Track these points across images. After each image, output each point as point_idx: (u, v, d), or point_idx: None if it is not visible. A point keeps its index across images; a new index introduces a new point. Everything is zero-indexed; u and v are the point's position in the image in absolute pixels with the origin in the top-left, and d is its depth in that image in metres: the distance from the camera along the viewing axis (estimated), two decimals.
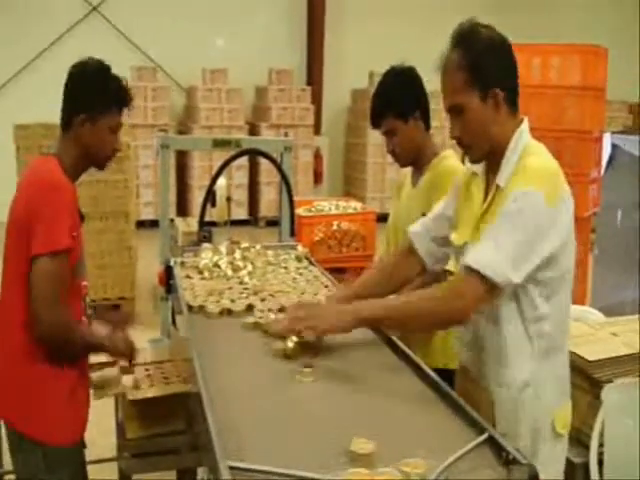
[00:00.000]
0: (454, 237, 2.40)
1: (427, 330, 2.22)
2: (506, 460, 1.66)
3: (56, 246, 2.43)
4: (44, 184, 2.51)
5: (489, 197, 2.25)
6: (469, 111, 2.18)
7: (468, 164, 2.43)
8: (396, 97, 3.00)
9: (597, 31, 11.32)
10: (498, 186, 2.21)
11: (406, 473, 1.56)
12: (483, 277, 2.06)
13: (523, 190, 2.09)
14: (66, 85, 2.64)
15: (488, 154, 2.26)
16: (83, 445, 2.74)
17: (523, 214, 2.08)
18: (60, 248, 2.44)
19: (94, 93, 2.61)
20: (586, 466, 2.70)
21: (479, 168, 2.35)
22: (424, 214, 3.00)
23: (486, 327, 2.25)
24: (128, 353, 2.71)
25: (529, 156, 2.19)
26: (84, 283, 2.69)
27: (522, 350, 2.20)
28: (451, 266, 2.67)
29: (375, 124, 3.09)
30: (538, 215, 2.08)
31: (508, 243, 2.07)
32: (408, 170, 3.26)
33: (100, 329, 2.70)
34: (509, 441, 1.76)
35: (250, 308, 2.67)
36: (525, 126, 2.26)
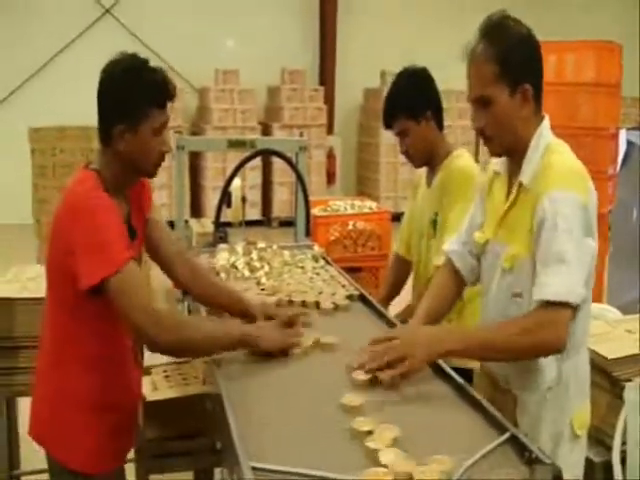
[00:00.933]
0: (477, 236, 2.39)
1: (515, 361, 2.19)
2: (529, 459, 1.66)
3: (117, 264, 2.17)
4: (78, 208, 2.24)
5: (512, 195, 2.24)
6: (496, 104, 2.16)
7: (492, 162, 2.41)
8: (408, 98, 3.02)
9: (610, 28, 11.26)
10: (521, 184, 2.19)
11: (431, 470, 1.56)
12: (566, 304, 2.03)
13: (560, 194, 2.07)
14: (99, 93, 2.35)
15: (509, 150, 2.24)
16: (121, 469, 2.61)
17: (574, 223, 2.06)
18: (121, 264, 2.17)
19: (128, 99, 2.30)
20: (606, 465, 2.68)
21: (502, 167, 2.34)
22: (437, 214, 3.01)
23: None
24: (283, 344, 2.35)
25: (553, 154, 2.17)
26: None
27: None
28: (439, 261, 2.71)
29: (388, 125, 3.10)
30: (581, 217, 2.07)
31: (576, 259, 2.05)
32: (423, 170, 3.26)
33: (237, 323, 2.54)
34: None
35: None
36: (547, 124, 2.24)
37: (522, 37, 2.19)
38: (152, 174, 2.47)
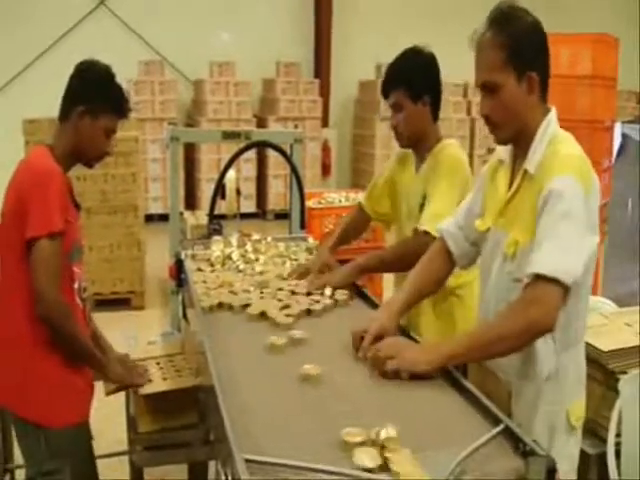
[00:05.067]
0: (478, 223, 2.38)
1: (517, 350, 2.15)
2: (523, 451, 1.65)
3: (52, 227, 2.46)
4: (34, 169, 2.55)
5: (516, 183, 2.23)
6: (503, 91, 2.15)
7: (497, 150, 2.40)
8: (411, 73, 2.96)
9: (608, 21, 11.26)
10: (526, 172, 2.19)
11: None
12: (556, 281, 1.99)
13: (562, 180, 2.07)
14: (71, 78, 2.67)
15: (514, 138, 2.24)
16: (89, 436, 2.75)
17: (572, 206, 2.04)
18: (56, 230, 2.47)
19: (98, 88, 2.65)
20: (600, 457, 2.68)
21: (506, 156, 2.33)
22: (424, 197, 2.98)
23: None
24: (122, 383, 2.82)
25: (559, 144, 2.17)
26: (76, 270, 2.67)
27: (546, 343, 2.16)
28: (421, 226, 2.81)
29: (385, 93, 3.04)
30: (583, 204, 2.06)
31: (572, 239, 2.03)
32: (411, 153, 3.19)
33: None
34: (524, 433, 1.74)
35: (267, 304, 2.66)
36: (553, 115, 2.24)
37: (530, 26, 2.18)
38: (90, 165, 2.75)
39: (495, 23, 2.17)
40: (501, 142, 2.30)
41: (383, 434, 1.65)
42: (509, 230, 2.23)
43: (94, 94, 2.63)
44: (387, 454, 1.60)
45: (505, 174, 2.32)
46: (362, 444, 1.64)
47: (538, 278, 2.01)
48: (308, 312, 2.63)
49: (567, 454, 2.25)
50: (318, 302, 2.70)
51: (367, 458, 1.59)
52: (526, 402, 2.21)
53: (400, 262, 2.90)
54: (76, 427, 2.63)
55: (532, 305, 2.01)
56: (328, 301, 2.72)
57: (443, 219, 2.58)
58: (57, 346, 2.55)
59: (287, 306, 2.63)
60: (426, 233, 2.80)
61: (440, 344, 2.20)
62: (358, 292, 2.93)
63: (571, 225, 2.04)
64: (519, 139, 2.23)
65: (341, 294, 2.79)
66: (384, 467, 1.57)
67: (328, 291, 2.79)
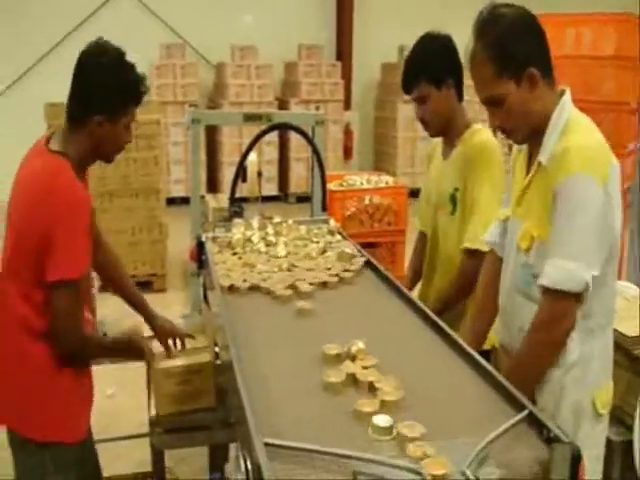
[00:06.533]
0: (500, 212, 2.41)
1: (550, 365, 2.20)
2: (547, 438, 1.62)
3: (81, 271, 2.39)
4: (64, 197, 2.35)
5: (530, 174, 2.22)
6: (507, 100, 2.14)
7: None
8: (431, 61, 2.92)
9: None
10: (540, 163, 2.16)
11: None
12: (568, 293, 2.06)
13: (572, 177, 2.05)
14: (81, 76, 2.46)
15: (532, 135, 2.21)
16: (94, 448, 2.74)
17: (583, 205, 2.04)
18: (83, 272, 2.41)
19: (115, 92, 2.43)
20: (625, 444, 2.65)
21: (524, 145, 2.33)
22: (457, 189, 2.95)
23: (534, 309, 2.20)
24: (149, 356, 2.71)
25: (572, 134, 2.13)
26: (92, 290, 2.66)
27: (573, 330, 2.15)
28: (471, 244, 2.84)
29: (407, 89, 2.99)
30: (598, 200, 2.04)
31: (583, 242, 2.05)
32: (438, 142, 3.19)
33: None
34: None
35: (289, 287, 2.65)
36: (567, 97, 2.20)
37: (513, 24, 2.14)
38: (111, 160, 2.61)
39: (478, 35, 2.14)
40: (520, 143, 2.30)
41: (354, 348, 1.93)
42: (524, 220, 2.23)
43: (112, 100, 2.43)
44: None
45: (522, 163, 2.32)
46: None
47: (550, 291, 2.07)
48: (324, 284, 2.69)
49: (593, 441, 2.23)
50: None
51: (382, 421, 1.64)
52: (549, 391, 2.19)
53: (465, 292, 2.93)
54: (80, 441, 2.57)
55: (555, 323, 2.11)
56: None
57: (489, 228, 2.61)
58: (64, 364, 2.48)
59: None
60: (477, 251, 2.80)
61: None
62: (368, 264, 2.92)
63: (582, 226, 2.04)
64: (536, 133, 2.20)
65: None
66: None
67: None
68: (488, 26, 2.14)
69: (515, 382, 1.87)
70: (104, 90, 2.42)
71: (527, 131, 2.20)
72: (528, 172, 2.25)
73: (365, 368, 1.93)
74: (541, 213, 2.14)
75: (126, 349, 2.72)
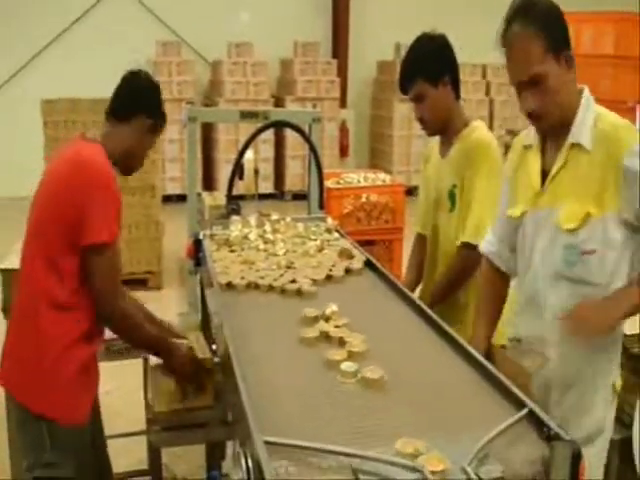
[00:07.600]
0: (511, 212, 2.41)
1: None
2: (548, 436, 1.62)
3: (114, 235, 2.48)
4: (95, 169, 2.49)
5: (561, 158, 2.24)
6: (550, 78, 2.16)
7: (520, 136, 2.44)
8: (427, 60, 2.94)
9: None
10: (574, 145, 2.21)
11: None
12: None
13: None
14: (132, 81, 2.69)
15: (557, 123, 2.23)
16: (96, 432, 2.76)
17: None
18: (111, 240, 2.48)
19: (161, 105, 2.73)
20: (624, 442, 2.66)
21: (533, 140, 2.35)
22: (455, 186, 2.96)
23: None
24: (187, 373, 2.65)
25: (604, 117, 2.21)
26: None
27: None
28: (466, 238, 2.87)
29: (404, 89, 3.01)
30: None
31: None
32: (435, 141, 3.19)
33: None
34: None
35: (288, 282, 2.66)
36: (588, 93, 2.26)
37: (551, 7, 2.19)
38: (127, 173, 2.77)
39: (519, 15, 2.16)
40: (545, 131, 2.31)
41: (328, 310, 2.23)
42: (562, 204, 2.23)
43: (159, 109, 2.72)
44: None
45: (535, 156, 2.34)
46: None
47: None
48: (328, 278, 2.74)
49: (611, 423, 2.39)
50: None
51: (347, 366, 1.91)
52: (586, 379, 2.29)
53: (460, 285, 2.99)
54: (82, 424, 2.59)
55: None
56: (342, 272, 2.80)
57: (487, 226, 2.67)
58: (80, 347, 2.53)
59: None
60: (471, 245, 2.82)
61: (619, 301, 2.22)
62: (368, 263, 2.94)
63: None
64: (560, 122, 2.23)
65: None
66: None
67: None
68: (529, 6, 2.17)
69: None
70: (154, 96, 2.72)
71: (557, 116, 2.21)
72: (546, 163, 2.29)
73: (337, 327, 2.20)
74: (598, 190, 2.16)
75: (165, 350, 2.69)
